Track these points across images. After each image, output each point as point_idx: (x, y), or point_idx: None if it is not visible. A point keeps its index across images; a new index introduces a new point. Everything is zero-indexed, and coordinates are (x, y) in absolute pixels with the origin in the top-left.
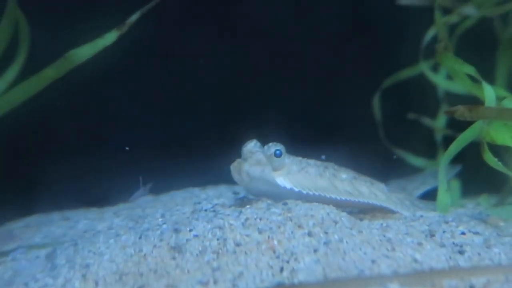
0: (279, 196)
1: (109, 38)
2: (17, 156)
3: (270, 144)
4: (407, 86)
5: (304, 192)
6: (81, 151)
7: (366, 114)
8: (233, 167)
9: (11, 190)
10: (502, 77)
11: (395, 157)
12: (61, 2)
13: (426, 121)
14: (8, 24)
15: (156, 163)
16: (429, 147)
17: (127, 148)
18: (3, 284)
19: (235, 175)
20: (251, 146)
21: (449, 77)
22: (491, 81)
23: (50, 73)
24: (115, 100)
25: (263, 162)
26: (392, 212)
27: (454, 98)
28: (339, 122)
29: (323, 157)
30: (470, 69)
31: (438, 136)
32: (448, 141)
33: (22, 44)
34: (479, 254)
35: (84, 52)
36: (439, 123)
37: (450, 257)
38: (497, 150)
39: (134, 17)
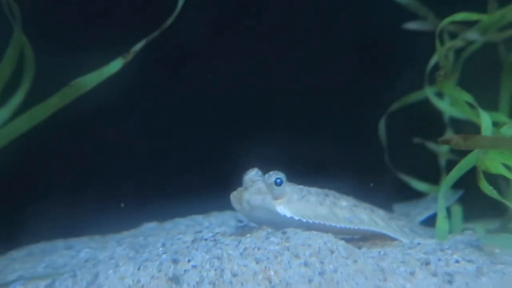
0: (279, 224)
1: (114, 66)
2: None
3: (271, 172)
4: (412, 110)
5: (304, 220)
6: (84, 179)
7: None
8: (233, 196)
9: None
10: (505, 101)
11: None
12: (66, 29)
13: (431, 145)
14: (14, 51)
15: (162, 188)
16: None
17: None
18: None
19: (236, 205)
20: (252, 174)
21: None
22: (495, 105)
23: (55, 102)
24: (118, 127)
25: (263, 190)
26: (392, 239)
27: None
28: (344, 147)
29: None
30: (468, 97)
31: (442, 161)
32: (453, 165)
33: (26, 71)
34: (467, 284)
35: (90, 80)
36: (443, 147)
37: (440, 287)
38: (495, 176)
39: (138, 46)
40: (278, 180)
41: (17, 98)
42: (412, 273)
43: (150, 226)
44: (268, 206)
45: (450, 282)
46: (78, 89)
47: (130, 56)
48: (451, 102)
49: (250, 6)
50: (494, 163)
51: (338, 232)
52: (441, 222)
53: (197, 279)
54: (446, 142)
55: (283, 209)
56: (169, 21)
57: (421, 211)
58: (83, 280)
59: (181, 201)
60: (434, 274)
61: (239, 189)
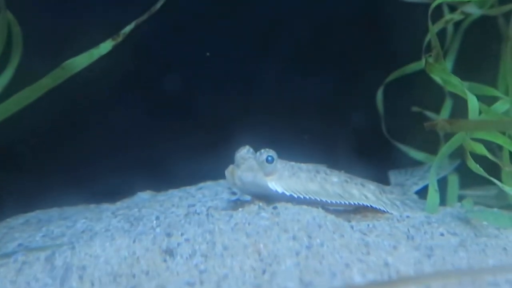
0: (271, 198)
1: (104, 48)
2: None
3: (262, 150)
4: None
5: (295, 195)
6: (83, 147)
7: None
8: (228, 172)
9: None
10: (505, 74)
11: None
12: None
13: (430, 114)
14: (0, 28)
15: (156, 157)
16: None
17: None
18: (8, 282)
19: (229, 180)
20: (244, 152)
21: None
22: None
23: (46, 82)
24: (118, 97)
25: (255, 168)
26: (382, 211)
27: None
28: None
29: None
30: (456, 80)
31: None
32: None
33: (15, 47)
34: (443, 258)
35: (80, 61)
36: (443, 116)
37: (419, 261)
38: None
39: (128, 28)
40: (269, 158)
41: (6, 75)
42: (395, 247)
43: (144, 196)
44: (260, 182)
45: (429, 256)
46: (69, 70)
47: (119, 38)
48: (443, 81)
49: None
50: (478, 145)
51: (330, 206)
52: (432, 195)
53: (190, 252)
54: (432, 126)
55: (274, 185)
56: (159, 4)
57: (416, 181)
58: (81, 252)
59: (175, 170)
60: (417, 248)
61: (232, 165)
